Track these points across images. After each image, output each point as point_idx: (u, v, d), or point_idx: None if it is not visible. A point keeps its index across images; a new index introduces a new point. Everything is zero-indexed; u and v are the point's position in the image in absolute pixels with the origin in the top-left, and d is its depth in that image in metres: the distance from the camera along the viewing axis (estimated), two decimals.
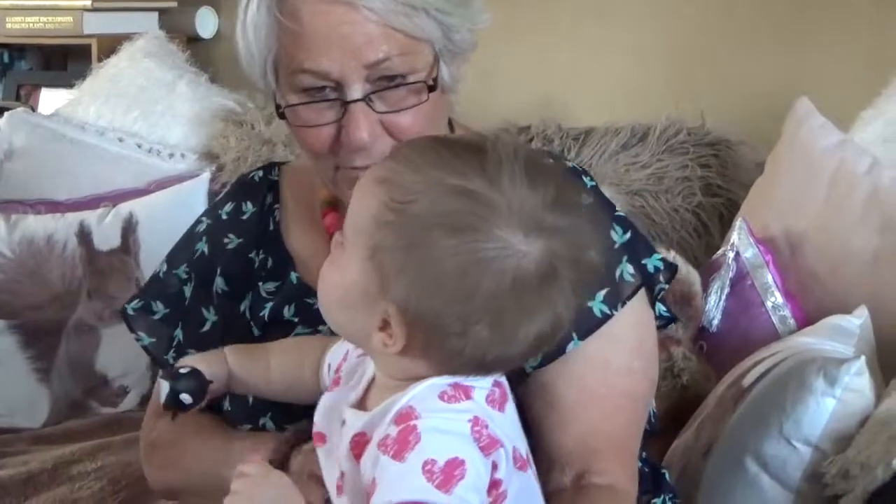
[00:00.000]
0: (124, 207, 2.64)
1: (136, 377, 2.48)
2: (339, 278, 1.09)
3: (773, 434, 1.57)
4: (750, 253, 1.98)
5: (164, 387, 1.29)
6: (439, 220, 1.03)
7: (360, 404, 1.13)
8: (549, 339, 1.08)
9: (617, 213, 1.38)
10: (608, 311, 1.31)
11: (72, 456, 2.14)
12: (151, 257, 2.56)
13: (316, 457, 1.17)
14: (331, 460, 1.13)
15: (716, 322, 1.96)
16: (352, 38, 1.29)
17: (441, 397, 1.05)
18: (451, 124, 1.47)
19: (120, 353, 2.47)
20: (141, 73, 3.05)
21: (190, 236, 1.55)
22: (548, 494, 1.28)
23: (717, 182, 2.32)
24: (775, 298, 1.94)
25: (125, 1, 3.49)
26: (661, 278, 1.37)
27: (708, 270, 2.01)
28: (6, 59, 3.78)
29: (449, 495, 1.00)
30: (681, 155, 2.35)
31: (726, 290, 1.98)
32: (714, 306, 1.97)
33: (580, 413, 1.31)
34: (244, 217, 1.52)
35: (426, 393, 1.05)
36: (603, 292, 1.31)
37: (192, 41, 3.42)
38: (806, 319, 1.89)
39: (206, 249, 1.52)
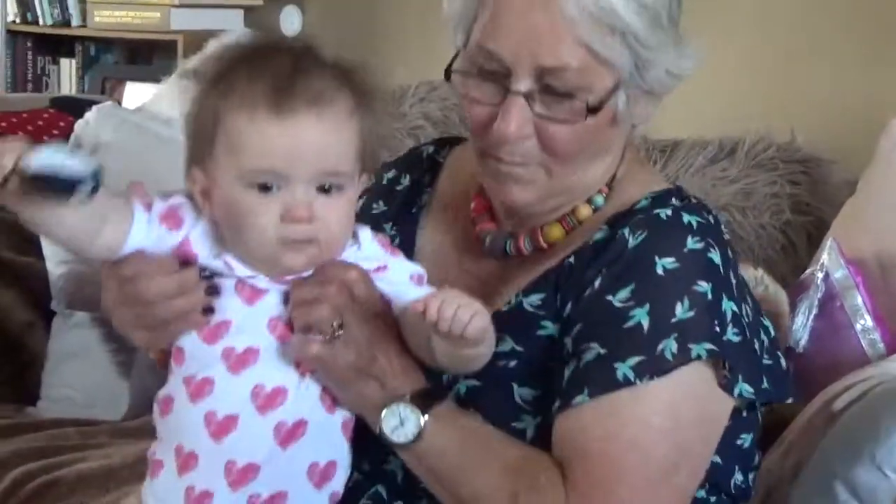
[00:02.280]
0: None
1: None
2: (352, 201, 1.28)
3: (864, 461, 1.55)
4: (840, 274, 1.96)
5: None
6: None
7: None
8: None
9: (695, 287, 1.30)
10: (632, 379, 1.26)
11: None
12: None
13: None
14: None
15: (803, 342, 1.94)
16: (536, 34, 1.28)
17: None
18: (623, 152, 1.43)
19: None
20: None
21: None
22: None
23: (807, 200, 2.29)
24: (865, 321, 1.91)
25: None
26: (726, 364, 1.30)
27: (795, 290, 1.99)
28: (93, 52, 3.84)
29: None
30: (769, 171, 2.32)
31: (814, 311, 1.95)
32: (801, 327, 1.94)
33: (570, 443, 1.27)
34: (398, 188, 1.53)
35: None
36: (636, 359, 1.27)
37: None
38: None
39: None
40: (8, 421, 2.38)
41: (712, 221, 1.36)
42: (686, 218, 1.34)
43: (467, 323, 1.18)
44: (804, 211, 2.29)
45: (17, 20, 3.88)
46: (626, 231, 1.32)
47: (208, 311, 1.27)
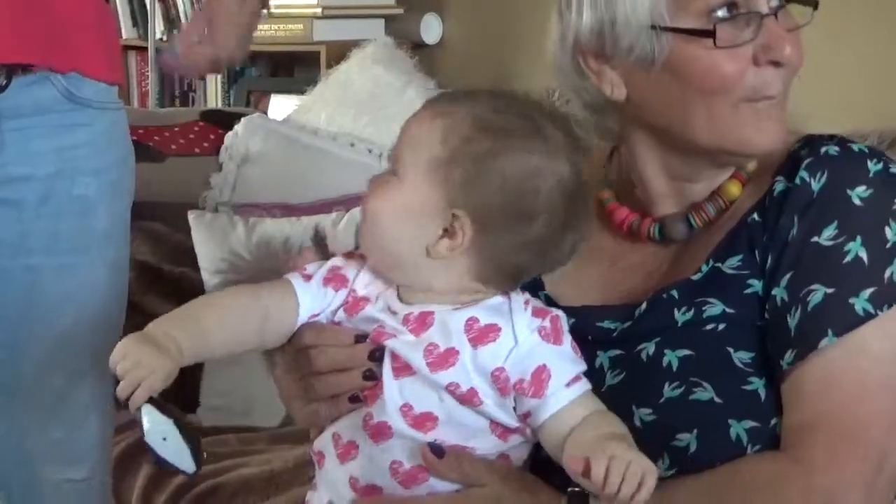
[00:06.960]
0: (357, 212, 2.67)
1: None
2: (400, 196, 1.22)
3: None
4: None
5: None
6: (502, 136, 1.21)
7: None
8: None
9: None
10: (872, 311, 1.25)
11: (312, 457, 2.17)
12: None
13: None
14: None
15: None
16: None
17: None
18: None
19: None
20: (370, 80, 3.10)
21: None
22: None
23: None
24: None
25: (353, 8, 3.56)
26: None
27: None
28: (237, 66, 3.90)
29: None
30: None
31: None
32: None
33: (817, 401, 1.24)
34: None
35: (521, 298, 1.24)
36: (869, 291, 1.25)
37: (417, 47, 3.46)
38: None
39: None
40: None
41: (874, 143, 1.36)
42: (855, 147, 1.32)
43: (635, 491, 1.11)
44: None
45: (164, 38, 3.96)
46: (806, 175, 1.30)
47: (370, 377, 1.24)
